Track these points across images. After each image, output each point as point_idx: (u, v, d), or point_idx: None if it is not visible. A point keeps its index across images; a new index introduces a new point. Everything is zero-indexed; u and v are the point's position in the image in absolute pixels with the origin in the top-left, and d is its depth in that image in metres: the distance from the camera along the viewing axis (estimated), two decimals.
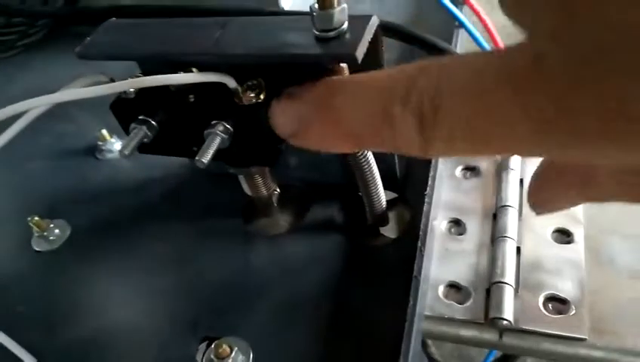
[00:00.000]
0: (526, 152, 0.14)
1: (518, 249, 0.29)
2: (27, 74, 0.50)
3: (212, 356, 0.25)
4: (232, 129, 0.25)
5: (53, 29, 0.53)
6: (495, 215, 0.31)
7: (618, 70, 0.10)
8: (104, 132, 0.39)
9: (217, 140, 0.24)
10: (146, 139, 0.27)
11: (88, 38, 0.25)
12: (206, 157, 0.24)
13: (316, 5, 0.20)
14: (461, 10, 0.39)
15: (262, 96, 0.24)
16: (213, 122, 0.25)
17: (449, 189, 0.33)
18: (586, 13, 0.11)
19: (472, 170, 0.34)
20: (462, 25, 0.38)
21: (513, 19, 0.13)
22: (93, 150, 0.40)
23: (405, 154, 0.17)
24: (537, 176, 0.19)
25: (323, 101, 0.19)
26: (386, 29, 0.35)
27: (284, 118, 0.21)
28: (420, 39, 0.34)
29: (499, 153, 0.17)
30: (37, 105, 0.24)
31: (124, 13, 0.42)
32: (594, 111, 0.11)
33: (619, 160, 0.13)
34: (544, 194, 0.20)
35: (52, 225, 0.34)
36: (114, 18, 0.26)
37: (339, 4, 0.20)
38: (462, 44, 0.40)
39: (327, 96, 0.19)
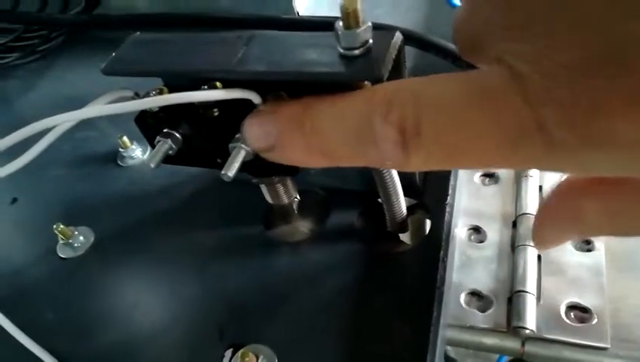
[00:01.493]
0: (502, 165, 0.15)
1: (539, 257, 0.29)
2: (46, 80, 0.51)
3: None
4: None
5: (70, 34, 0.53)
6: (515, 222, 0.31)
7: (594, 89, 0.12)
8: (125, 139, 0.39)
9: (242, 153, 0.25)
10: (171, 152, 0.27)
11: (113, 54, 0.25)
12: (232, 170, 0.24)
13: (340, 24, 0.21)
14: None
15: None
16: (238, 135, 0.25)
17: (468, 196, 0.33)
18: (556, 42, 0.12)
19: (490, 177, 0.34)
20: None
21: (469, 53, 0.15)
22: (114, 156, 0.40)
23: (382, 167, 0.18)
24: (536, 217, 0.21)
25: (299, 118, 0.19)
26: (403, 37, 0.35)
27: (259, 131, 0.21)
28: (437, 46, 0.34)
29: (476, 166, 0.18)
30: (65, 120, 0.24)
31: (140, 21, 0.43)
32: (570, 125, 0.12)
33: (596, 171, 0.15)
34: (543, 233, 0.21)
35: (76, 233, 0.35)
36: (138, 33, 0.26)
37: (363, 22, 0.20)
38: None
39: (303, 113, 0.19)
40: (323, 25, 0.36)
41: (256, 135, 0.21)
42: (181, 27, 0.42)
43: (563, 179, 0.20)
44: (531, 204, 0.31)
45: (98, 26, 0.45)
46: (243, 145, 0.25)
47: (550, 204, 0.21)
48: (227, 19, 0.40)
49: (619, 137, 0.12)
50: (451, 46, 0.35)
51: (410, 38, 0.35)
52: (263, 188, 0.31)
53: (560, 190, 0.20)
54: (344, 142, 0.18)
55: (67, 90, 0.49)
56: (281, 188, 0.30)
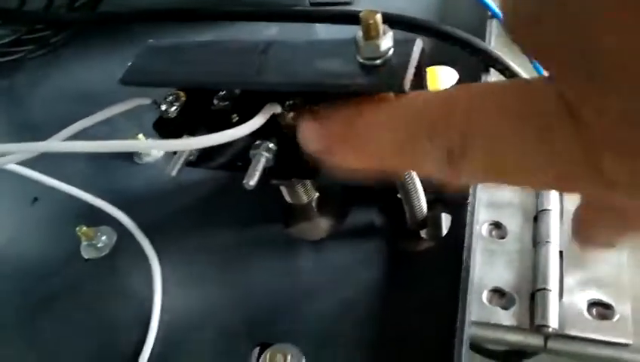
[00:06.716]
0: (545, 188, 0.16)
1: (561, 253, 0.29)
2: (58, 73, 0.51)
3: None
4: (275, 147, 0.25)
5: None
6: (536, 218, 0.31)
7: None
8: (141, 136, 0.39)
9: (263, 161, 0.25)
10: (191, 157, 0.28)
11: (130, 64, 0.25)
12: (253, 179, 0.25)
13: (360, 34, 0.20)
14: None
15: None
16: (257, 142, 0.25)
17: (488, 191, 0.33)
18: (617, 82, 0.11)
19: None
20: (495, 16, 0.37)
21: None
22: (131, 154, 0.40)
23: (431, 178, 0.18)
24: (576, 216, 0.20)
25: (350, 121, 0.19)
26: (416, 27, 0.35)
27: (313, 135, 0.21)
28: (455, 37, 0.33)
29: (520, 186, 0.18)
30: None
31: (146, 17, 0.42)
32: (628, 167, 0.12)
33: None
34: (585, 233, 0.21)
35: (99, 233, 0.35)
36: (152, 40, 0.26)
37: (384, 32, 0.20)
38: (495, 36, 0.39)
39: (355, 116, 0.19)
40: (337, 17, 0.36)
41: (311, 138, 0.21)
42: (188, 20, 0.41)
43: None
44: (553, 200, 0.31)
45: (102, 22, 0.44)
46: (264, 153, 0.25)
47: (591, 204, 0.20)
48: (237, 13, 0.40)
49: None
50: (468, 36, 0.34)
51: (423, 27, 0.35)
52: (283, 189, 0.31)
53: None
54: (394, 153, 0.18)
55: (79, 83, 0.49)
56: (300, 189, 0.31)
